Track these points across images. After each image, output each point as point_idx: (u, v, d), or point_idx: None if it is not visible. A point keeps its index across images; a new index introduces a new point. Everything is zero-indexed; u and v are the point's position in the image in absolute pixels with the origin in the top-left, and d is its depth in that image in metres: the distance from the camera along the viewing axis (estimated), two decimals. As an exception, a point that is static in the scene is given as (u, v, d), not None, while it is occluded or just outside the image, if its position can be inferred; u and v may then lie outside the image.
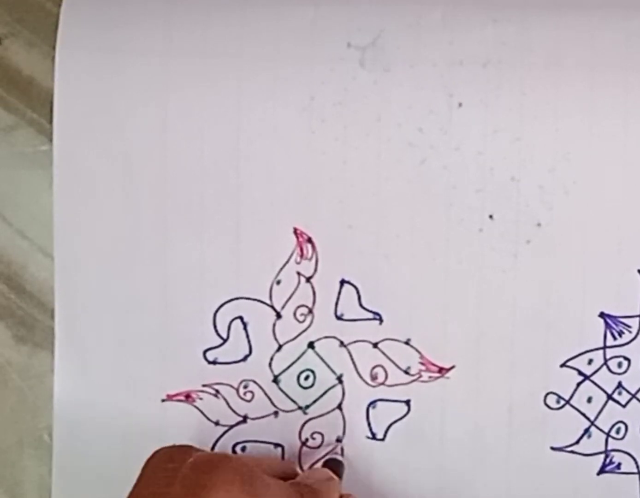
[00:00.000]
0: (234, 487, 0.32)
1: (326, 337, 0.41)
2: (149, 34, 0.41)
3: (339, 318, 0.41)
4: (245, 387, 0.41)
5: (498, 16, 0.39)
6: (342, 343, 0.41)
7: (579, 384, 0.40)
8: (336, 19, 0.40)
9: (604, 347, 0.40)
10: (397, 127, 0.40)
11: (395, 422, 0.41)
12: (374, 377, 0.41)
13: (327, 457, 0.41)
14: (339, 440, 0.41)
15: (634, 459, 0.40)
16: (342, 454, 0.41)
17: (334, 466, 0.40)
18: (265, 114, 0.40)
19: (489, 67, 0.40)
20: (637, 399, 0.40)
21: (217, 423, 0.42)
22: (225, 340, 0.41)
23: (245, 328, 0.41)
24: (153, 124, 0.41)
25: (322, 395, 0.41)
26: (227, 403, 0.41)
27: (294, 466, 0.41)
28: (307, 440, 0.41)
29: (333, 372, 0.41)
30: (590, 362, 0.40)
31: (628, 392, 0.40)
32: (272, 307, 0.41)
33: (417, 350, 0.41)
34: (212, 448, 0.41)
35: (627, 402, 0.40)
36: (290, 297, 0.41)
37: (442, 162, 0.40)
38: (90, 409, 0.42)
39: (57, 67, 0.41)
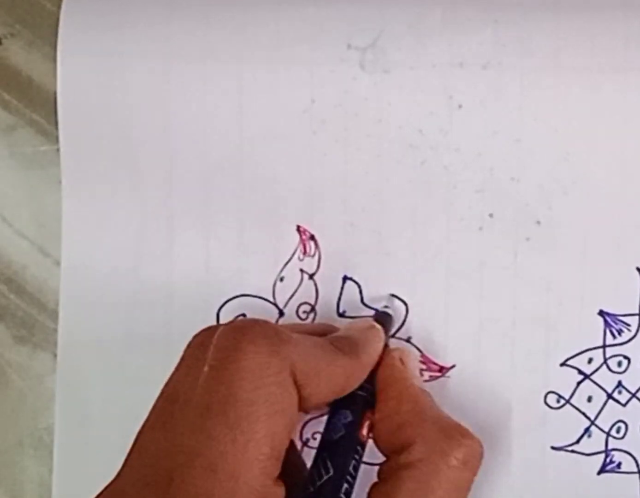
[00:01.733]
0: (263, 348, 0.31)
1: (328, 336, 0.41)
2: (149, 34, 0.41)
3: (341, 315, 0.41)
4: (247, 386, 0.41)
5: (498, 17, 0.40)
6: (344, 342, 0.41)
7: (579, 383, 0.40)
8: (336, 20, 0.40)
9: (604, 346, 0.40)
10: (398, 128, 0.40)
11: (396, 421, 0.41)
12: (375, 375, 0.41)
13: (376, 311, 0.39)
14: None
15: (634, 459, 0.40)
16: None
17: (381, 318, 0.38)
18: (266, 116, 0.41)
19: (488, 68, 0.40)
20: (637, 398, 0.40)
21: (218, 424, 0.41)
22: (227, 339, 0.41)
23: (247, 326, 0.41)
24: (156, 124, 0.41)
25: (323, 394, 0.41)
26: (229, 403, 0.41)
27: (335, 328, 0.38)
28: (307, 440, 0.41)
29: (335, 370, 0.41)
30: (590, 360, 0.40)
31: (628, 391, 0.40)
32: (275, 304, 0.41)
33: (417, 349, 0.41)
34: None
35: (627, 401, 0.40)
36: (293, 295, 0.41)
37: (442, 162, 0.40)
38: (90, 409, 0.41)
39: (59, 68, 0.41)
